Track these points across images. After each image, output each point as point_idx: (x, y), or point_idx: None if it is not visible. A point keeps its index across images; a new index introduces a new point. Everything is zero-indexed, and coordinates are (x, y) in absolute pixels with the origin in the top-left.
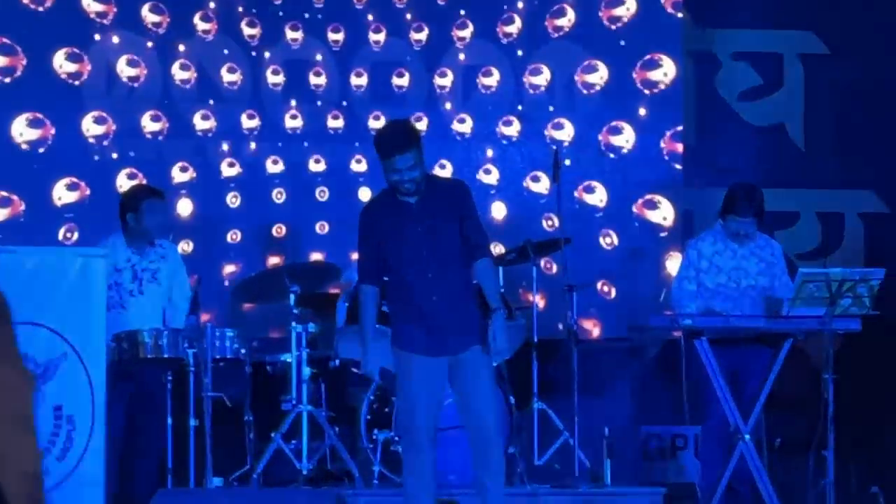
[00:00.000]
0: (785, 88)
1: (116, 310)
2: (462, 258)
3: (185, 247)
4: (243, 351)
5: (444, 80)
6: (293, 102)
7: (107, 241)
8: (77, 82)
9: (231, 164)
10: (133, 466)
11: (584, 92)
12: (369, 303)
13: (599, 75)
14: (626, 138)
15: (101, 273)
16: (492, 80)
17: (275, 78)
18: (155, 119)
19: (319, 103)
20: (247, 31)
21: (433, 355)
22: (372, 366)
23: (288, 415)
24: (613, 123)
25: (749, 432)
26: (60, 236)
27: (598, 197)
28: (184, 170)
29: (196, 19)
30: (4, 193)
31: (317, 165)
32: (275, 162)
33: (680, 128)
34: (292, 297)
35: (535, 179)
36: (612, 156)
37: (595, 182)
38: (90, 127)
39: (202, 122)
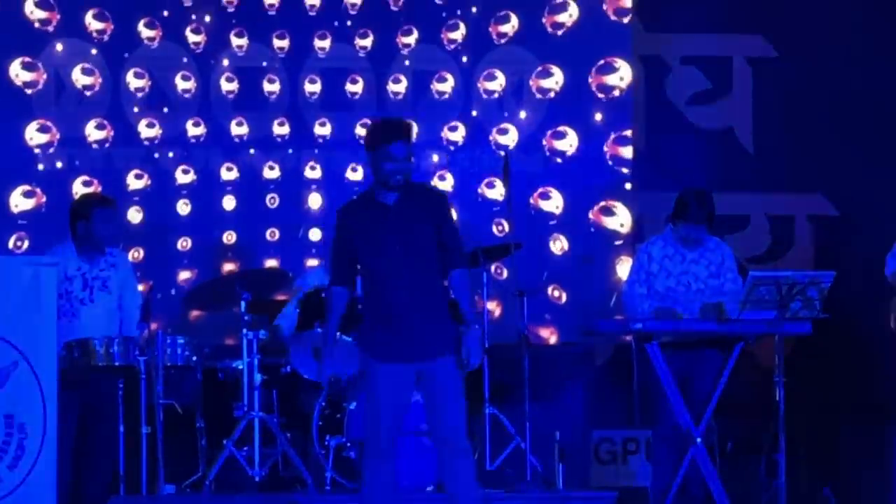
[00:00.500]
0: (734, 92)
1: (67, 318)
2: (437, 265)
3: (136, 254)
4: (195, 358)
5: (398, 87)
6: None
7: (57, 249)
8: (31, 91)
9: (185, 172)
10: (85, 474)
11: (539, 97)
12: (337, 305)
13: (555, 80)
14: (569, 143)
15: (52, 281)
16: (445, 85)
17: (228, 85)
18: (100, 127)
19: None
20: (192, 37)
21: (403, 361)
22: (327, 372)
23: (240, 421)
24: (559, 128)
25: (700, 436)
26: (11, 244)
27: (553, 203)
28: (137, 177)
29: (140, 26)
30: None
31: (269, 172)
32: (229, 169)
33: (628, 132)
34: (243, 303)
35: (490, 186)
36: (558, 160)
37: (550, 188)
38: (34, 135)
39: (147, 130)
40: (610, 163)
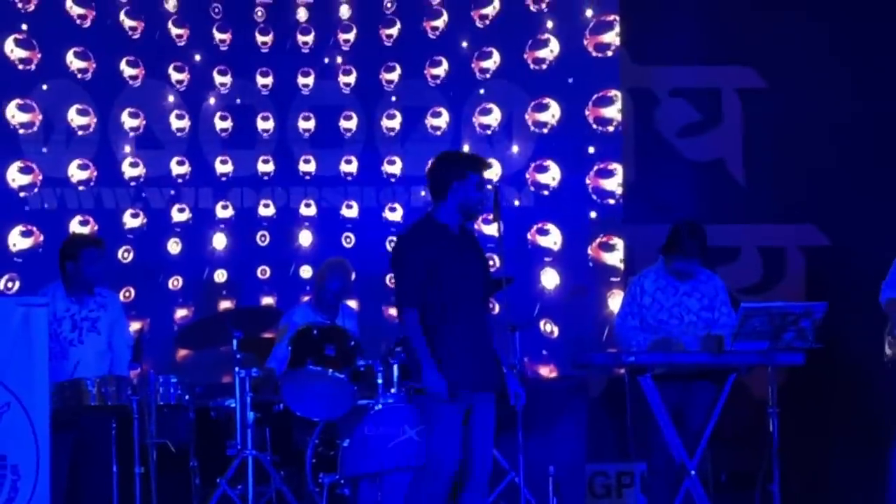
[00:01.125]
0: (724, 124)
1: (57, 359)
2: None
3: (127, 294)
4: (187, 397)
5: (392, 122)
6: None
7: (46, 289)
8: (28, 131)
9: (179, 210)
10: None
11: (535, 130)
12: (420, 326)
13: (551, 113)
14: (552, 176)
15: (44, 321)
16: (440, 120)
17: (221, 123)
18: (84, 167)
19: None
20: (175, 75)
21: (471, 390)
22: (443, 384)
23: (233, 460)
24: (544, 162)
25: (694, 468)
26: (1, 286)
27: (551, 239)
28: (131, 216)
29: (122, 65)
30: None
31: (260, 210)
32: (224, 207)
33: (614, 165)
34: (235, 342)
35: (487, 222)
36: (545, 193)
37: (548, 223)
38: (16, 176)
39: (132, 170)
40: (594, 196)
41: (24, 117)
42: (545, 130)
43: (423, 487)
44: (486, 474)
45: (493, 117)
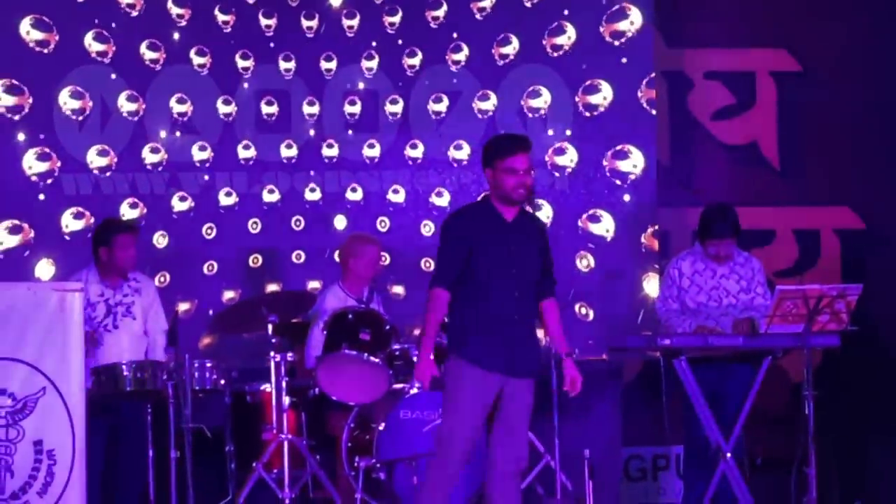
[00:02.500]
0: (758, 107)
1: (91, 345)
2: (536, 288)
3: (162, 279)
4: (222, 381)
5: (439, 106)
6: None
7: (79, 275)
8: (80, 118)
9: (216, 195)
10: (115, 499)
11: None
12: (441, 309)
13: (603, 95)
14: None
15: (78, 306)
16: (488, 104)
17: (267, 108)
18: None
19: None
20: (196, 59)
21: (500, 372)
22: (427, 373)
23: (269, 444)
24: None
25: (730, 451)
26: (52, 270)
27: (603, 227)
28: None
29: (143, 48)
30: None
31: (293, 194)
32: (258, 191)
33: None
34: (270, 326)
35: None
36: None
37: (600, 210)
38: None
39: (165, 155)
40: (620, 180)
41: (75, 104)
42: (591, 113)
43: (433, 465)
44: (510, 461)
45: (543, 100)
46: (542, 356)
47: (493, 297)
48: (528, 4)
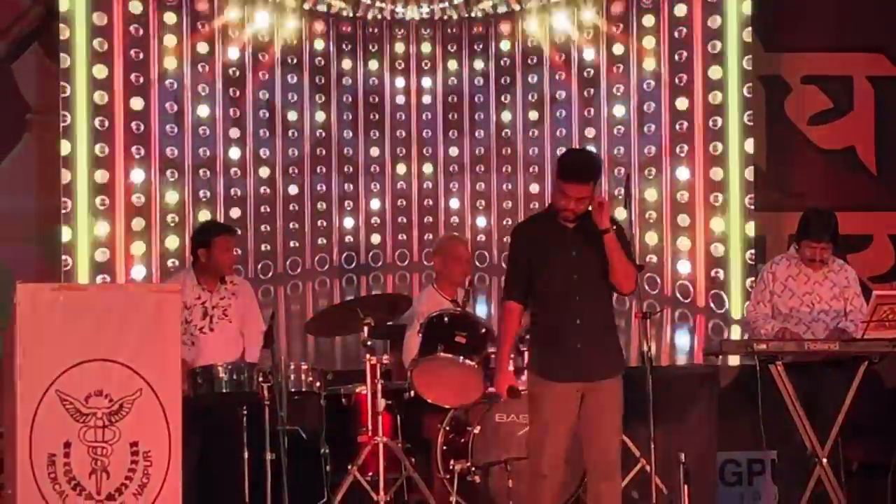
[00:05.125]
0: (855, 111)
1: (186, 347)
2: (607, 289)
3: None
4: (318, 384)
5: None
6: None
7: (177, 277)
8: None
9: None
10: (210, 501)
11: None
12: (513, 320)
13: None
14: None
15: (176, 308)
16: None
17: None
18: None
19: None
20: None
21: (569, 380)
22: (504, 384)
23: (364, 447)
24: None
25: (826, 456)
26: (134, 273)
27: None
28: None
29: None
30: None
31: (391, 196)
32: (351, 193)
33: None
34: (366, 329)
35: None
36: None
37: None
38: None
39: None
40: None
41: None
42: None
43: (530, 477)
44: (605, 462)
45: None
46: (620, 356)
47: (555, 306)
48: None
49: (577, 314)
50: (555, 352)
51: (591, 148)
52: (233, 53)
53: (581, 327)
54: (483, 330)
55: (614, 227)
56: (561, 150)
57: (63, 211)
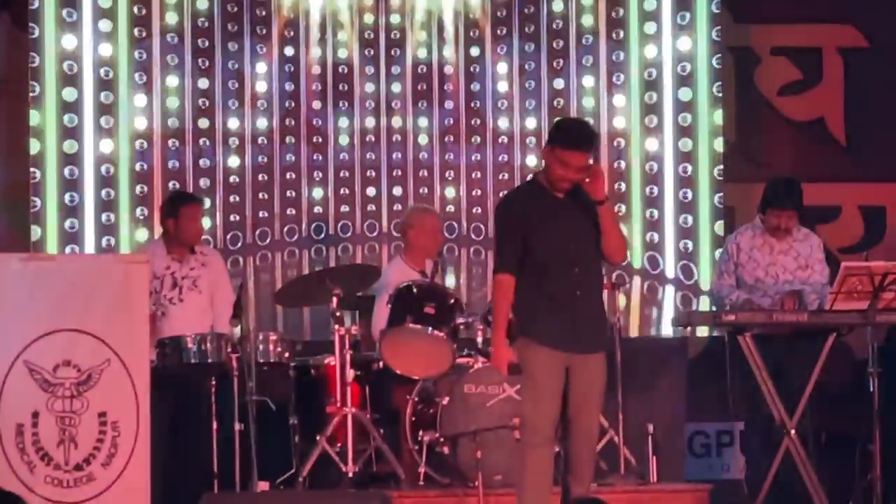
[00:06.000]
0: (824, 82)
1: (156, 317)
2: (599, 261)
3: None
4: (287, 354)
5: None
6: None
7: (146, 248)
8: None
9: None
10: (178, 471)
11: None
12: (507, 293)
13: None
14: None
15: (144, 279)
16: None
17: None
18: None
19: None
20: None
21: (565, 350)
22: (504, 359)
23: (332, 417)
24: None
25: (794, 427)
26: (104, 243)
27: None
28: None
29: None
30: None
31: (360, 167)
32: (320, 163)
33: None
34: (335, 299)
35: None
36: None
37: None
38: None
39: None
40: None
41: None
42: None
43: (524, 452)
44: (586, 433)
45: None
46: (606, 329)
47: (553, 276)
48: None
49: (577, 285)
50: (553, 320)
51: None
52: (202, 23)
53: (581, 298)
54: (452, 301)
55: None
56: (531, 122)
57: (32, 181)
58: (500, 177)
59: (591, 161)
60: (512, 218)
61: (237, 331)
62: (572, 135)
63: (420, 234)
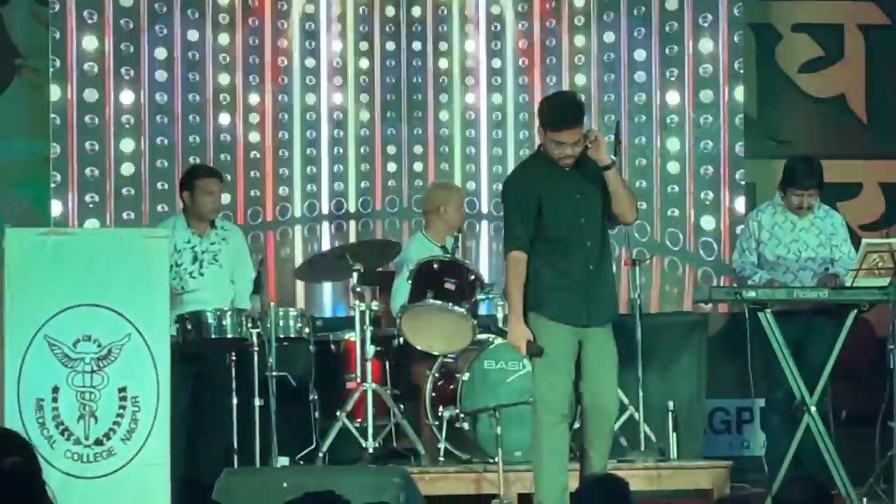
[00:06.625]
0: (846, 59)
1: (177, 292)
2: (608, 233)
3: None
4: (307, 330)
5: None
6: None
7: (167, 221)
8: None
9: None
10: (198, 447)
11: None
12: (521, 271)
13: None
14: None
15: (164, 254)
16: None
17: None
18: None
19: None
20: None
21: (579, 325)
22: (522, 337)
23: (353, 393)
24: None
25: (814, 404)
26: (125, 216)
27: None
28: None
29: None
30: None
31: (380, 144)
32: (342, 140)
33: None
34: (355, 275)
35: None
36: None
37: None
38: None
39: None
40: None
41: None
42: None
43: (537, 426)
44: (602, 409)
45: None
46: (618, 303)
47: (567, 250)
48: None
49: (589, 259)
50: (567, 295)
51: (582, 95)
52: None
53: (594, 272)
54: (472, 277)
55: (613, 159)
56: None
57: (52, 155)
58: (521, 153)
59: (583, 131)
60: (522, 194)
61: (257, 306)
62: (558, 114)
63: (442, 210)
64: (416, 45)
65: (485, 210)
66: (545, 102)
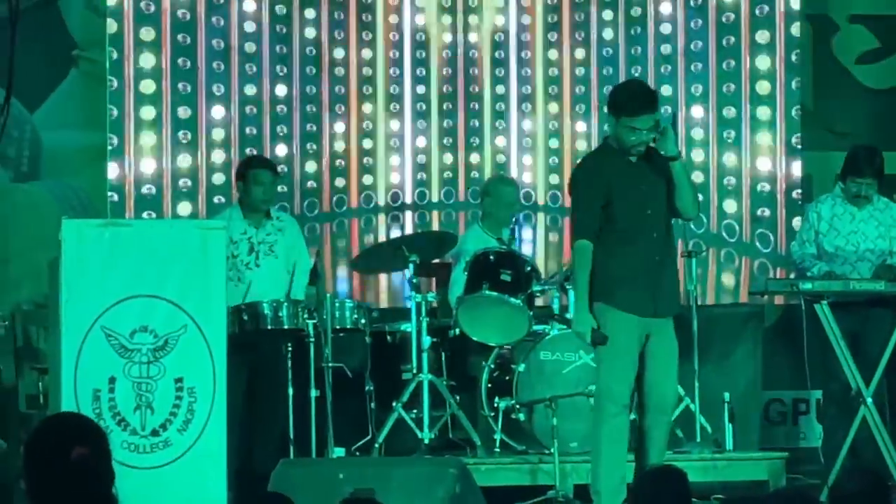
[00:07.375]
0: None
1: (233, 282)
2: (672, 225)
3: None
4: (363, 321)
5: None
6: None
7: (224, 213)
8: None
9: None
10: (255, 437)
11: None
12: (588, 260)
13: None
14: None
15: (221, 245)
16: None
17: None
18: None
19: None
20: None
21: (645, 315)
22: (587, 327)
23: (409, 384)
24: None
25: (871, 396)
26: (180, 209)
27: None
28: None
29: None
30: None
31: (434, 134)
32: (397, 134)
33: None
34: (412, 266)
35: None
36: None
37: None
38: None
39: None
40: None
41: None
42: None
43: (598, 415)
44: (663, 400)
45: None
46: (681, 294)
47: (634, 241)
48: None
49: (657, 250)
50: (633, 285)
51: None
52: None
53: (660, 263)
54: (528, 268)
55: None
56: (608, 90)
57: (109, 147)
58: (577, 145)
59: (656, 119)
60: (591, 183)
61: (313, 297)
62: (638, 100)
63: (498, 202)
64: (472, 37)
65: (541, 202)
66: (620, 90)
